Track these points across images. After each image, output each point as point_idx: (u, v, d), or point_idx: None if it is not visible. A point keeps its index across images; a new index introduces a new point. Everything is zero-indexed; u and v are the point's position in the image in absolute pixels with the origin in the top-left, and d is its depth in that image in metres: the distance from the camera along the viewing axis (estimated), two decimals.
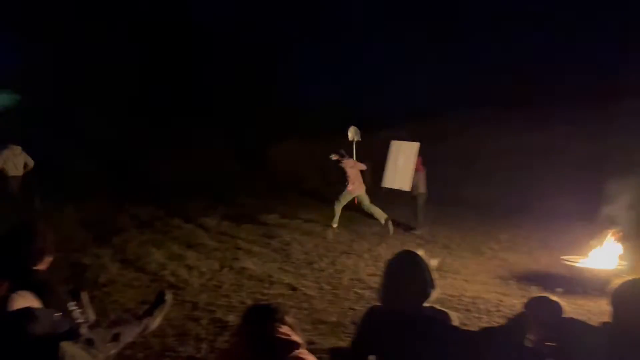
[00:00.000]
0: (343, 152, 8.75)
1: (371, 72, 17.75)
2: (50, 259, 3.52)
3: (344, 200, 8.56)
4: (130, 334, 3.94)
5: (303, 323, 4.27)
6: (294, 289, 5.53)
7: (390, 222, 8.42)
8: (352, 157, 9.20)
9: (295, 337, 2.07)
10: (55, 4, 18.35)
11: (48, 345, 1.98)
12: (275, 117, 15.79)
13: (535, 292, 5.34)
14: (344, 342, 4.13)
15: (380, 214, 8.46)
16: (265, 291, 5.40)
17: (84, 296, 4.32)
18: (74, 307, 3.52)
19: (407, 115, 14.33)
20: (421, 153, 8.74)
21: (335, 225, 8.44)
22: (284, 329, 2.13)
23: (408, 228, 8.74)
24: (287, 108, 16.31)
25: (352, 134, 9.69)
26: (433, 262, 2.36)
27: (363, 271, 6.28)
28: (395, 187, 8.84)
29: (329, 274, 6.14)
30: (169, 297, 4.34)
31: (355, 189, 8.51)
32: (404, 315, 2.18)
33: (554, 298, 2.57)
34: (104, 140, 15.95)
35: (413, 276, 2.22)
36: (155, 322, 4.20)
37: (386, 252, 7.21)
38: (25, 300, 2.85)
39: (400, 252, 2.37)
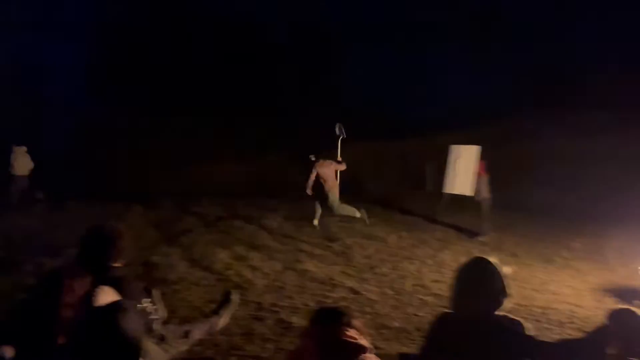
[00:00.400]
0: (323, 153, 9.19)
1: (430, 74, 17.50)
2: (126, 258, 3.71)
3: (336, 201, 8.81)
4: (199, 331, 4.09)
5: (366, 327, 4.24)
6: (356, 292, 5.52)
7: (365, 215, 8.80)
8: (336, 154, 9.57)
9: (363, 341, 2.07)
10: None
11: (135, 339, 2.08)
12: (337, 119, 15.81)
13: (612, 304, 5.05)
14: (408, 348, 4.08)
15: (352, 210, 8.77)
16: (328, 294, 5.42)
17: (156, 293, 4.50)
18: (148, 304, 3.69)
19: (469, 118, 14.01)
20: (483, 157, 8.51)
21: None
22: (352, 332, 2.14)
23: (472, 234, 8.51)
24: (348, 110, 16.32)
25: (337, 130, 9.86)
26: (506, 270, 2.29)
27: (426, 277, 6.18)
28: (456, 192, 8.70)
29: (391, 279, 6.08)
30: (235, 297, 4.47)
31: (331, 187, 8.77)
32: (476, 323, 2.13)
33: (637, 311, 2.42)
34: (169, 142, 16.59)
35: (486, 283, 2.16)
36: (223, 321, 4.33)
37: (450, 258, 7.07)
38: (107, 295, 3.01)
39: (473, 259, 2.31)
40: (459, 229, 8.73)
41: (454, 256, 7.17)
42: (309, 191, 8.79)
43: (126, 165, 15.28)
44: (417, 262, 6.85)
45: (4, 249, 6.90)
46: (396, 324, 4.63)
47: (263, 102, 17.74)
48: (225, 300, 4.40)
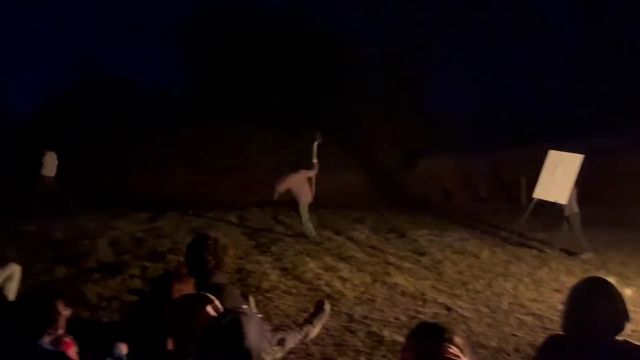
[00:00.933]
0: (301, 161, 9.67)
1: (530, 84, 16.81)
2: (227, 266, 3.87)
3: (304, 209, 9.20)
4: (293, 339, 4.16)
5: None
6: (448, 309, 5.38)
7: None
8: (312, 159, 9.72)
9: (465, 359, 2.01)
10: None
11: (257, 347, 2.18)
12: (425, 130, 15.62)
13: None
14: None
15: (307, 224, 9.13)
16: (420, 309, 5.32)
17: (251, 300, 4.66)
18: (247, 310, 3.80)
19: (572, 128, 13.25)
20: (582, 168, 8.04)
21: (313, 234, 9.01)
22: (454, 349, 2.07)
23: (571, 252, 7.99)
24: (438, 121, 16.05)
25: (317, 137, 9.93)
26: (627, 292, 2.13)
27: (524, 296, 5.89)
28: (550, 199, 8.37)
29: (485, 296, 5.86)
30: (327, 307, 4.51)
31: (303, 195, 9.24)
32: (594, 348, 1.99)
33: None
34: (260, 152, 17.14)
35: (606, 305, 2.02)
36: (315, 330, 4.39)
37: (549, 276, 6.69)
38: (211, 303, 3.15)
39: (589, 278, 2.17)
40: (554, 245, 8.24)
41: (553, 274, 6.78)
42: (275, 196, 9.34)
43: (223, 175, 15.95)
44: (513, 280, 6.54)
45: (113, 253, 7.44)
46: (493, 344, 4.44)
47: (347, 114, 17.86)
48: (318, 310, 4.46)
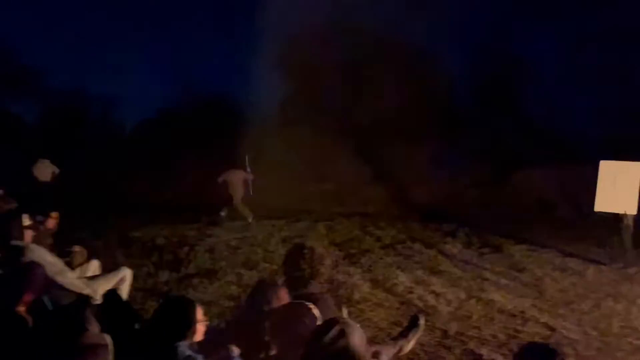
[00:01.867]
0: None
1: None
2: (323, 276, 3.91)
3: (237, 204, 11.40)
4: (387, 353, 4.11)
5: None
6: (552, 329, 5.06)
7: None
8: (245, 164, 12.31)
9: None
10: None
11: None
12: (521, 139, 14.95)
13: None
14: None
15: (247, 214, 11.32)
16: (520, 328, 5.06)
17: (344, 311, 4.67)
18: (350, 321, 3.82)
19: None
20: None
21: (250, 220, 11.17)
22: None
23: None
24: (536, 130, 15.29)
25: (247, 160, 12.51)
26: None
27: (637, 319, 5.41)
28: (617, 210, 8.02)
29: (593, 317, 5.45)
30: (422, 322, 4.41)
31: (236, 192, 11.49)
32: None
33: None
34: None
35: None
36: (409, 345, 4.31)
37: None
38: (312, 312, 3.20)
39: None
40: None
41: None
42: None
43: (311, 185, 16.22)
44: (624, 301, 6.03)
45: (210, 260, 7.80)
46: None
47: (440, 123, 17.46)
48: (413, 325, 4.37)
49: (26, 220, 4.18)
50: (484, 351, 4.41)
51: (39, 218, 5.97)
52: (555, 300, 6.04)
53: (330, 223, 11.83)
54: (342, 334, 2.25)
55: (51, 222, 6.07)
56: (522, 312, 5.56)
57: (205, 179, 17.27)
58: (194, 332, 2.66)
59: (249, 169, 12.29)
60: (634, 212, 7.80)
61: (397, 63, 19.63)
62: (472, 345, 4.56)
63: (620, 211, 7.98)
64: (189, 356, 2.55)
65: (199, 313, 2.71)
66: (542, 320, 5.31)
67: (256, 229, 10.72)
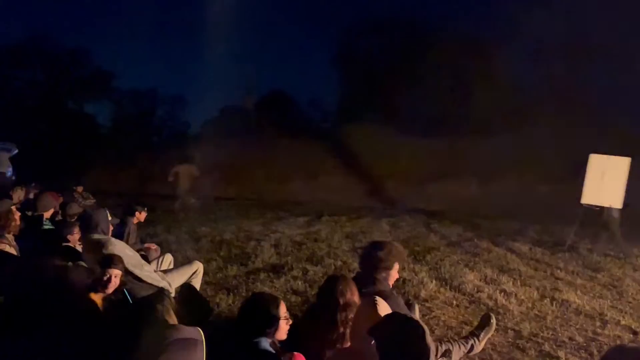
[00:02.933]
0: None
1: None
2: (391, 271, 3.88)
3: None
4: (458, 352, 4.03)
5: None
6: (634, 332, 4.78)
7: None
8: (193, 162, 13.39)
9: None
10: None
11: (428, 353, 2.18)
12: (596, 131, 14.19)
13: None
14: None
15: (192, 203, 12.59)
16: (599, 330, 4.80)
17: (416, 309, 4.61)
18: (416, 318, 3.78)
19: None
20: None
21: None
22: None
23: None
24: (612, 122, 14.46)
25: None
26: None
27: None
28: (603, 203, 8.37)
29: None
30: (493, 321, 4.29)
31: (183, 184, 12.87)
32: None
33: None
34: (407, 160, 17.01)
35: None
36: (481, 344, 4.20)
37: None
38: (383, 307, 3.19)
39: None
40: None
41: None
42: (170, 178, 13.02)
43: (373, 182, 16.15)
44: None
45: (276, 255, 7.93)
46: None
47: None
48: (484, 324, 4.27)
49: (109, 215, 4.40)
50: (560, 354, 4.22)
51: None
52: (637, 302, 5.71)
53: (393, 220, 11.74)
54: (411, 330, 2.25)
55: (142, 216, 6.45)
56: (601, 313, 5.28)
57: (268, 175, 17.64)
58: (277, 329, 2.69)
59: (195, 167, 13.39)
60: (620, 205, 8.12)
61: (458, 55, 19.18)
62: (547, 347, 4.37)
63: (607, 204, 8.26)
64: (266, 351, 2.59)
65: (283, 310, 2.74)
66: (623, 322, 5.02)
67: (320, 224, 10.80)
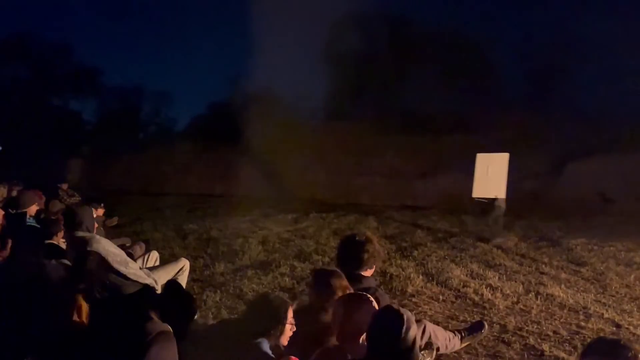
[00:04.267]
0: None
1: None
2: (373, 268, 3.88)
3: None
4: (442, 346, 4.05)
5: None
6: (617, 325, 4.85)
7: None
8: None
9: None
10: None
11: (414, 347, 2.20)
12: (576, 128, 14.34)
13: None
14: None
15: None
16: (582, 324, 4.86)
17: (427, 326, 4.60)
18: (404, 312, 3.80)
19: None
20: None
21: None
22: None
23: None
24: (591, 118, 14.61)
25: None
26: None
27: None
28: (489, 195, 9.18)
29: None
30: (485, 331, 4.29)
31: None
32: None
33: None
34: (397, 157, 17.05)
35: None
36: (462, 345, 4.21)
37: None
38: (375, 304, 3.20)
39: None
40: None
41: None
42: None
43: (360, 179, 16.16)
44: None
45: (264, 252, 7.92)
46: None
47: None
48: (475, 329, 4.25)
49: (95, 213, 4.36)
50: (545, 347, 4.27)
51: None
52: (620, 296, 5.78)
53: (381, 216, 11.79)
54: (410, 324, 2.27)
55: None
56: (585, 307, 5.35)
57: (255, 173, 17.58)
58: (280, 332, 2.68)
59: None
60: (503, 196, 8.99)
61: (444, 51, 19.26)
62: (532, 340, 4.42)
63: (493, 196, 9.13)
64: (266, 353, 2.57)
65: (290, 314, 2.72)
66: (606, 316, 5.09)
67: (308, 221, 10.80)
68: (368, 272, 3.78)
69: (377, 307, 2.87)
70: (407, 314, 2.37)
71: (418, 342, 2.35)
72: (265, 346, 2.57)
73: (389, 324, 2.33)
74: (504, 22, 19.36)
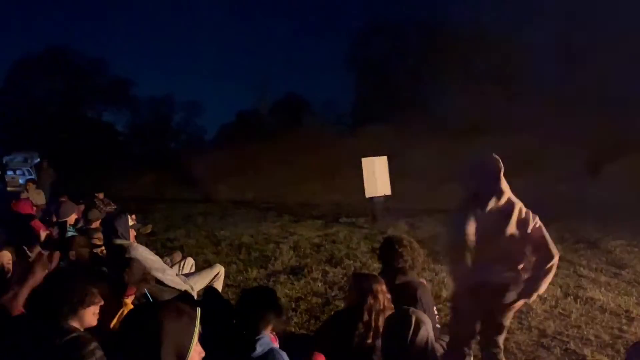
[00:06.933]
0: None
1: None
2: (415, 270, 3.86)
3: None
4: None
5: None
6: None
7: None
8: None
9: None
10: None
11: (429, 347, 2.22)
12: (614, 128, 13.98)
13: None
14: None
15: None
16: (625, 327, 4.72)
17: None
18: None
19: None
20: None
21: None
22: None
23: None
24: (630, 118, 14.23)
25: None
26: None
27: None
28: (379, 194, 10.41)
29: None
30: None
31: None
32: None
33: None
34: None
35: None
36: None
37: None
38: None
39: None
40: None
41: None
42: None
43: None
44: None
45: (296, 257, 7.95)
46: None
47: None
48: None
49: (130, 221, 4.46)
50: (587, 352, 4.17)
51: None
52: None
53: (412, 220, 11.68)
54: (419, 325, 2.26)
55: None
56: (627, 310, 5.20)
57: (285, 178, 17.69)
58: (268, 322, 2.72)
59: None
60: (389, 192, 10.35)
61: (471, 54, 19.06)
62: (573, 345, 4.32)
63: (382, 194, 10.34)
64: (273, 349, 2.60)
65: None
66: None
67: (338, 226, 10.81)
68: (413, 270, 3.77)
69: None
70: (417, 316, 2.35)
71: (432, 343, 2.33)
72: (269, 340, 2.61)
73: (398, 328, 2.33)
74: (531, 24, 18.99)
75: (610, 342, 4.41)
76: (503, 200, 3.24)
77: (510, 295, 3.18)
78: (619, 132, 14.67)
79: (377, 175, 10.44)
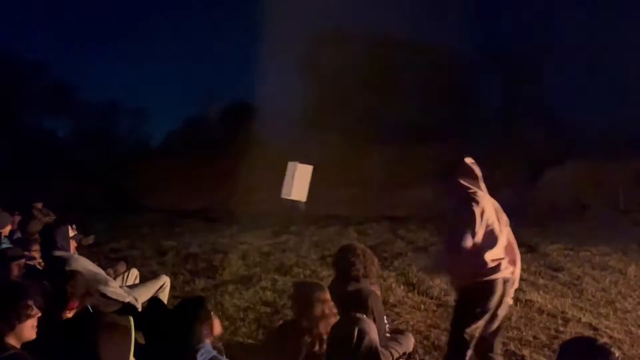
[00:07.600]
0: None
1: None
2: (368, 279, 3.91)
3: None
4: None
5: None
6: (594, 329, 4.96)
7: None
8: None
9: None
10: None
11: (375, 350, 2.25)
12: (550, 136, 14.68)
13: None
14: None
15: None
16: (561, 328, 4.96)
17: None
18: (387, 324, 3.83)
19: None
20: None
21: None
22: None
23: None
24: (565, 127, 14.99)
25: None
26: None
27: None
28: (293, 197, 9.30)
29: (636, 316, 5.32)
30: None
31: None
32: None
33: None
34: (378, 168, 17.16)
35: None
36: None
37: None
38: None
39: None
40: None
41: None
42: None
43: (339, 190, 16.19)
44: None
45: (244, 266, 7.88)
46: None
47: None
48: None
49: (70, 232, 4.30)
50: (525, 352, 4.35)
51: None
52: (596, 300, 5.91)
53: (361, 227, 11.82)
54: (362, 335, 2.29)
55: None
56: (563, 312, 5.46)
57: (234, 187, 17.48)
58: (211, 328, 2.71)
59: None
60: (304, 199, 9.36)
61: (421, 64, 19.54)
62: (513, 346, 4.49)
63: (297, 199, 9.48)
64: (215, 357, 2.58)
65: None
66: (583, 320, 5.21)
67: (287, 234, 10.79)
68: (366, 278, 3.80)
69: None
70: (362, 325, 2.38)
71: (377, 351, 2.37)
72: (209, 348, 2.60)
73: (340, 338, 2.36)
74: (480, 33, 19.73)
75: (548, 342, 4.61)
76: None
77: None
78: (559, 141, 15.42)
79: (295, 180, 10.35)
